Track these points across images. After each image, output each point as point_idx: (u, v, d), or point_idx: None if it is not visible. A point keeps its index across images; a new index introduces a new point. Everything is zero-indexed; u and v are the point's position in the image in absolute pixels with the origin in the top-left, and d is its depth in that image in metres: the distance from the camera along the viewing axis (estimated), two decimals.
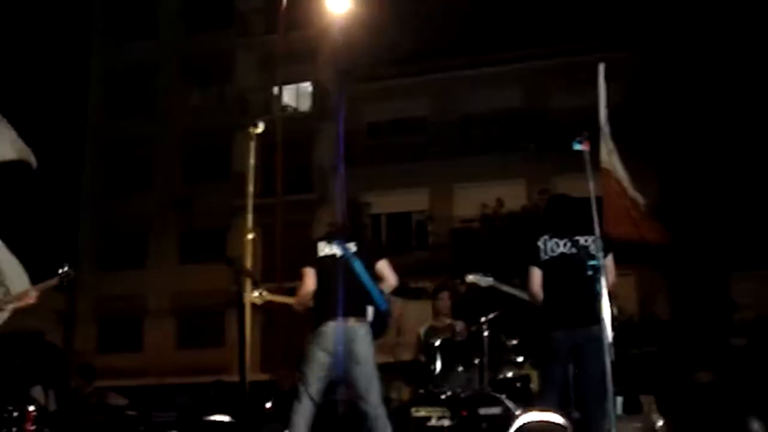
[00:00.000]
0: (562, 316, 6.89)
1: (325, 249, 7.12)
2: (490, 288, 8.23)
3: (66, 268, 7.52)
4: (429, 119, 30.66)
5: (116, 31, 35.15)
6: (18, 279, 7.70)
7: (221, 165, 31.52)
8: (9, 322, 7.51)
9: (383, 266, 7.17)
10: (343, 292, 6.85)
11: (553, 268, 6.99)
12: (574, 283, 6.84)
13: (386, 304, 7.09)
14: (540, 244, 7.07)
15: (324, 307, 6.90)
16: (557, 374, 6.94)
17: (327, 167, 30.27)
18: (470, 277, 8.13)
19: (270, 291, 7.06)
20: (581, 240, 6.98)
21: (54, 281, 7.52)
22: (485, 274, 8.29)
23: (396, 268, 7.26)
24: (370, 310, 7.02)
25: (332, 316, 6.81)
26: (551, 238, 7.08)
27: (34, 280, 7.74)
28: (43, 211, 31.22)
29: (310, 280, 7.00)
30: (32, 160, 8.84)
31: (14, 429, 9.49)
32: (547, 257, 7.02)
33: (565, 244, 7.01)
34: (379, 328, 7.06)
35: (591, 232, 6.86)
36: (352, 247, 7.13)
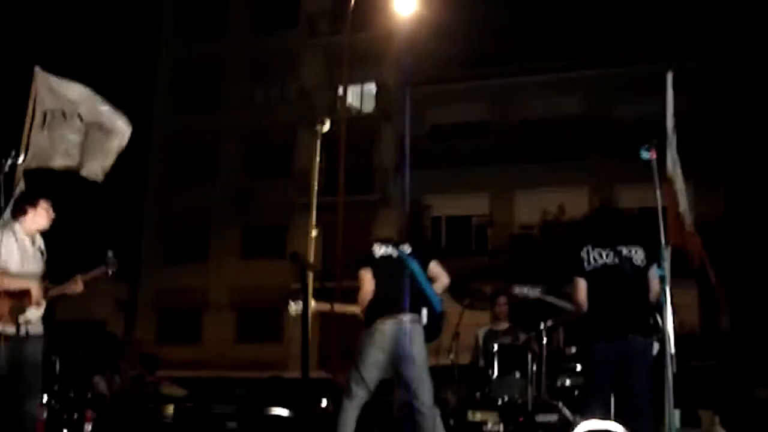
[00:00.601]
0: (604, 326, 6.82)
1: (380, 250, 7.18)
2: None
3: (110, 255, 7.45)
4: (491, 123, 30.54)
5: (186, 27, 35.63)
6: None
7: (283, 162, 31.79)
8: (74, 311, 7.59)
9: (435, 266, 7.22)
10: (399, 291, 6.90)
11: (596, 278, 6.91)
12: (617, 293, 6.82)
13: (441, 305, 7.10)
14: (583, 254, 6.99)
15: (380, 306, 6.94)
16: (601, 384, 6.87)
17: (388, 168, 30.35)
18: (517, 290, 8.09)
19: (326, 301, 7.09)
20: (624, 250, 6.93)
21: (101, 270, 7.44)
22: (533, 286, 8.26)
23: (455, 271, 7.28)
24: (424, 312, 7.05)
25: (388, 315, 6.86)
26: (594, 248, 7.00)
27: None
28: (108, 203, 31.72)
29: (368, 282, 7.04)
30: (93, 173, 8.97)
31: (75, 414, 9.70)
32: (590, 267, 6.95)
33: (608, 255, 6.94)
34: (434, 330, 7.08)
35: (635, 242, 6.90)
36: (407, 248, 7.19)
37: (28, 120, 9.07)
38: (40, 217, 7.31)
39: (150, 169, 34.62)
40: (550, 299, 7.88)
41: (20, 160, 8.68)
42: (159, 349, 28.18)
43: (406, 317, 6.87)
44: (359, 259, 7.23)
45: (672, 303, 6.54)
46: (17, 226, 7.22)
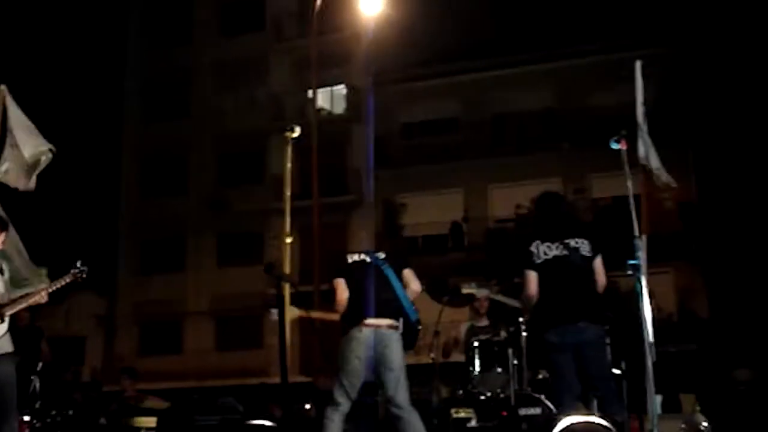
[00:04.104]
0: (555, 315, 6.87)
1: (354, 256, 7.18)
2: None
3: (79, 265, 7.54)
4: (462, 119, 30.58)
5: (152, 35, 35.46)
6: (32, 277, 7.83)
7: (256, 168, 31.72)
8: (53, 327, 7.53)
9: (408, 274, 7.22)
10: (375, 297, 6.90)
11: (547, 269, 6.96)
12: (566, 282, 6.87)
13: (416, 314, 7.09)
14: (533, 248, 7.03)
15: (356, 313, 6.93)
16: (561, 372, 6.87)
17: (362, 169, 30.35)
18: (466, 288, 8.06)
19: (304, 309, 7.14)
20: (572, 242, 6.98)
21: (67, 278, 7.51)
22: (479, 285, 8.26)
23: (433, 268, 7.29)
24: (400, 321, 7.03)
25: (363, 321, 6.86)
26: (543, 242, 7.04)
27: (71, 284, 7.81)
28: (82, 215, 31.55)
29: (342, 289, 7.04)
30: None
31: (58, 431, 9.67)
32: (540, 260, 6.99)
33: (557, 247, 6.99)
34: (409, 339, 7.05)
35: (581, 235, 7.00)
36: (380, 254, 7.18)
37: None
38: None
39: (122, 180, 34.46)
40: (499, 297, 7.86)
41: None
42: (141, 361, 28.13)
43: (382, 323, 6.88)
44: (333, 268, 7.27)
45: (648, 289, 6.57)
46: None
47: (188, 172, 33.83)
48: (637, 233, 6.54)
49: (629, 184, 6.67)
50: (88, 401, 11.46)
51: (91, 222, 31.94)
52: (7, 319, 7.19)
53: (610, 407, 6.64)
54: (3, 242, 7.42)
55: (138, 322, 32.85)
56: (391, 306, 6.98)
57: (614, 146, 6.69)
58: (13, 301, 7.31)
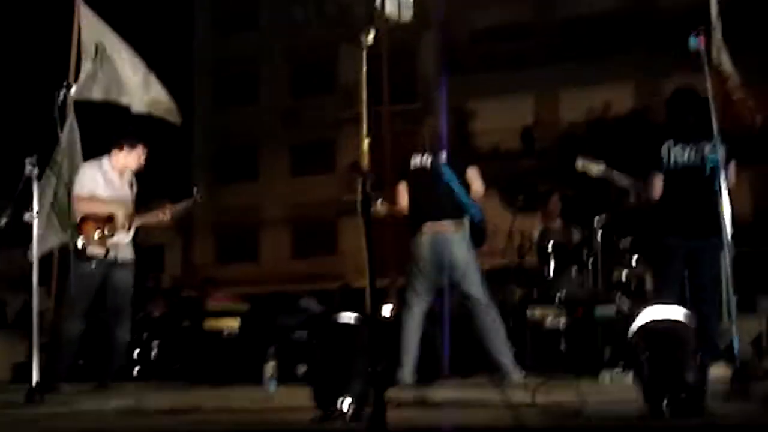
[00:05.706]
0: (678, 224, 6.80)
1: (416, 161, 7.26)
2: (602, 179, 7.83)
3: (195, 191, 7.94)
4: (532, 24, 30.10)
5: None
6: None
7: (326, 79, 31.73)
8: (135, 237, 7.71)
9: (472, 173, 7.24)
10: (435, 200, 7.03)
11: (675, 177, 6.81)
12: (695, 193, 6.73)
13: (479, 213, 7.14)
14: (663, 151, 6.84)
15: (418, 218, 7.11)
16: (672, 276, 6.88)
17: (431, 76, 30.16)
18: (580, 163, 7.48)
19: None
20: (707, 148, 6.74)
21: (188, 203, 7.86)
22: (597, 160, 7.87)
23: (504, 174, 7.33)
24: (466, 220, 7.12)
25: (424, 225, 7.04)
26: (675, 144, 6.85)
27: (154, 195, 8.03)
28: (157, 129, 31.93)
29: (402, 195, 7.23)
30: (173, 117, 9.25)
31: (145, 334, 10.01)
32: (670, 167, 6.83)
33: (688, 155, 6.81)
34: (477, 237, 7.14)
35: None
36: (442, 156, 7.23)
37: (74, 51, 9.20)
38: (131, 158, 7.54)
39: (195, 92, 34.75)
40: (615, 176, 7.41)
41: (72, 91, 8.89)
42: (219, 268, 28.77)
43: (440, 226, 7.01)
44: (396, 173, 7.41)
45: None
46: (105, 159, 7.49)
47: (259, 83, 34.03)
48: (716, 133, 6.45)
49: (708, 84, 6.54)
50: (170, 306, 11.81)
51: (165, 132, 32.31)
52: (132, 230, 7.46)
53: (709, 317, 6.65)
54: (142, 157, 7.63)
55: (215, 230, 33.50)
56: (453, 208, 7.06)
57: (693, 43, 6.50)
58: (141, 215, 7.57)
